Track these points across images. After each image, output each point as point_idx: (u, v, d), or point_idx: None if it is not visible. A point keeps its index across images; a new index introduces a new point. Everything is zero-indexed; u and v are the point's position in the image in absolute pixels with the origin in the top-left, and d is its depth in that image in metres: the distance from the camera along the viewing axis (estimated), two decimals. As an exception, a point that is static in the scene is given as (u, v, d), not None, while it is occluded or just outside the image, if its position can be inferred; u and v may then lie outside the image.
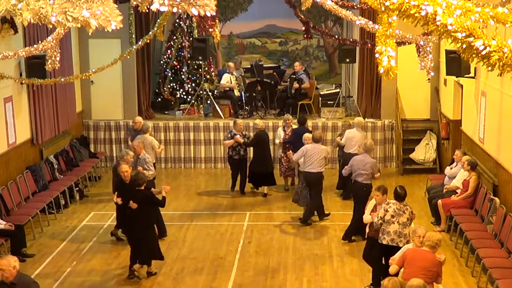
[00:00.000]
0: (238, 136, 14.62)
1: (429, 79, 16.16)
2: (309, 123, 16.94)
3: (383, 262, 9.80)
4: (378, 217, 9.74)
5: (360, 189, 11.97)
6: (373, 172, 12.04)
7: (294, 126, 14.88)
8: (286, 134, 14.85)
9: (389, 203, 9.76)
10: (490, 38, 4.81)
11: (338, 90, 18.24)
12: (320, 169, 12.94)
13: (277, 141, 15.21)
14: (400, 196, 9.69)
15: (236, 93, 18.02)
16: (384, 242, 9.66)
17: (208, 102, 17.97)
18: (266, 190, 14.91)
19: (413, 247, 8.42)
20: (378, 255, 9.91)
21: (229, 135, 14.84)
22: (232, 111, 17.71)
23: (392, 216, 9.60)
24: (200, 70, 18.17)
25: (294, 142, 14.40)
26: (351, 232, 12.12)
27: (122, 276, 10.72)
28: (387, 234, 9.64)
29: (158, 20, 12.12)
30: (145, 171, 11.78)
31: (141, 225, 10.38)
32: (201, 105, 18.07)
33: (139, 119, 14.47)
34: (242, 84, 18.21)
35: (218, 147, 16.90)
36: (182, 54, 18.24)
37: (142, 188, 10.47)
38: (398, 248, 9.38)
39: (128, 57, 12.42)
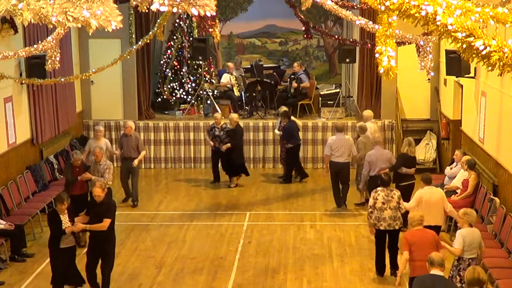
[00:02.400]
0: (224, 145, 15.17)
1: (429, 79, 16.15)
2: (309, 123, 17.02)
3: (384, 247, 10.52)
4: (368, 207, 10.42)
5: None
6: (392, 163, 12.60)
7: (292, 118, 15.71)
8: (280, 126, 15.67)
9: (376, 191, 10.40)
10: (490, 38, 4.81)
11: (338, 90, 18.24)
12: (348, 158, 13.70)
13: (276, 132, 15.98)
14: (385, 182, 10.46)
15: (236, 93, 18.03)
16: (382, 228, 10.30)
17: (208, 102, 17.97)
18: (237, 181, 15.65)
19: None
20: (378, 242, 10.52)
21: (211, 130, 15.47)
22: (232, 111, 17.70)
23: (383, 203, 10.25)
24: (200, 70, 18.17)
25: (287, 137, 15.42)
26: None
27: (121, 276, 10.73)
28: (383, 221, 10.26)
29: (158, 20, 12.12)
30: (101, 178, 11.77)
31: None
32: (201, 105, 18.06)
33: (130, 124, 14.30)
34: (242, 84, 18.21)
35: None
36: (182, 54, 18.24)
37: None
38: (395, 231, 10.33)
39: (128, 57, 12.41)
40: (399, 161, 12.68)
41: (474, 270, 7.11)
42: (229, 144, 15.11)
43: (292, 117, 15.66)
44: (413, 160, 12.82)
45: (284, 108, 15.83)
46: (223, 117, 15.97)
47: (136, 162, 13.95)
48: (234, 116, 15.53)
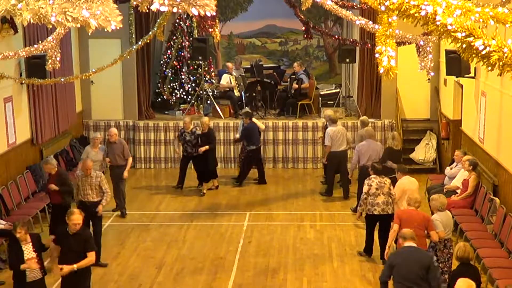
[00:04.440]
0: (201, 148, 14.75)
1: (429, 79, 16.16)
2: (309, 123, 17.02)
3: (376, 230, 11.25)
4: (363, 193, 11.06)
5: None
6: (380, 155, 13.21)
7: (254, 120, 15.65)
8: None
9: (370, 178, 11.12)
10: (490, 38, 4.81)
11: (338, 90, 18.24)
12: (347, 147, 14.60)
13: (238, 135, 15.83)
14: (378, 171, 11.15)
15: (236, 93, 18.03)
16: (376, 213, 10.98)
17: (208, 102, 17.97)
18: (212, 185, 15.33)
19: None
20: (369, 225, 11.24)
21: (181, 135, 14.99)
22: (232, 111, 17.70)
23: (377, 189, 10.96)
24: (200, 70, 18.17)
25: (245, 138, 15.30)
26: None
27: (121, 276, 10.73)
28: (377, 206, 10.96)
29: (158, 20, 12.12)
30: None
31: None
32: (201, 105, 18.06)
33: (114, 131, 13.67)
34: (242, 84, 18.21)
35: (218, 147, 16.84)
36: (182, 54, 18.24)
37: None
38: (388, 215, 10.93)
39: (128, 57, 12.41)
40: (385, 154, 13.19)
41: (464, 248, 7.99)
42: (207, 146, 14.72)
43: (254, 119, 15.57)
44: (398, 153, 13.33)
45: (246, 109, 15.80)
46: (192, 121, 15.27)
47: (126, 174, 13.33)
48: (205, 119, 15.02)
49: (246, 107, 16.22)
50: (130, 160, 13.63)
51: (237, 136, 15.84)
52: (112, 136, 13.48)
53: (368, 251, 11.39)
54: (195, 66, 18.33)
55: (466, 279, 7.17)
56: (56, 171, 11.42)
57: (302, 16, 13.63)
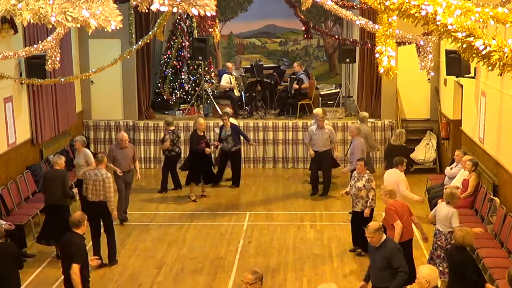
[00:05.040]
0: (212, 146, 15.02)
1: (429, 79, 16.15)
2: (309, 123, 16.96)
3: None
4: (374, 190, 11.18)
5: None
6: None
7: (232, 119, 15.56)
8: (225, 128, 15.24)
9: (370, 174, 11.35)
10: (490, 38, 4.81)
11: (338, 90, 18.25)
12: None
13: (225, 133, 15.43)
14: (371, 166, 11.74)
15: (236, 93, 18.03)
16: (374, 207, 11.35)
17: (208, 102, 17.97)
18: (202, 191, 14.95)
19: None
20: (368, 220, 10.91)
21: (167, 135, 14.79)
22: (232, 111, 17.68)
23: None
24: (200, 70, 18.17)
25: (237, 139, 15.22)
26: None
27: (121, 276, 10.73)
28: (376, 199, 11.27)
29: (158, 20, 12.11)
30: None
31: None
32: (201, 105, 18.06)
33: (126, 136, 13.22)
34: (242, 84, 18.21)
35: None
36: (182, 54, 18.24)
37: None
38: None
39: (128, 57, 12.40)
40: (387, 150, 13.68)
41: (458, 232, 8.33)
42: (220, 145, 15.06)
43: (231, 119, 15.56)
44: (396, 148, 13.45)
45: (227, 109, 15.75)
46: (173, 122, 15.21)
47: (139, 176, 13.35)
48: (202, 121, 14.64)
49: (227, 107, 16.17)
50: (137, 162, 13.58)
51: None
52: (125, 141, 13.04)
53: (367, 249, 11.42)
54: (195, 66, 18.33)
55: (428, 265, 7.28)
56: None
57: (302, 16, 13.64)
